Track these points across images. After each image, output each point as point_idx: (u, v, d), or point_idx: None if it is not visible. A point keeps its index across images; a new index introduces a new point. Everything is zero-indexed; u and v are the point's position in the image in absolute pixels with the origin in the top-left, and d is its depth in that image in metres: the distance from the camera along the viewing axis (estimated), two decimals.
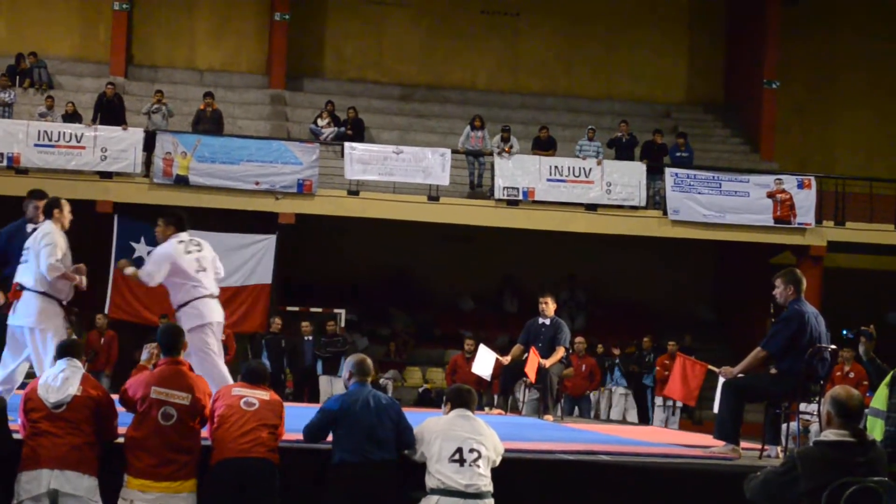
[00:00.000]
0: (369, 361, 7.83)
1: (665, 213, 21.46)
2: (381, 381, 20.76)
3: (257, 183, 20.29)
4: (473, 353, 15.33)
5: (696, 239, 22.03)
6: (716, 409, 9.79)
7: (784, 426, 9.47)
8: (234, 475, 7.23)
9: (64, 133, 20.05)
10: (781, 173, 22.29)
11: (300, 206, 20.53)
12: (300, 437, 7.69)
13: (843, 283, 22.25)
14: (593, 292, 24.75)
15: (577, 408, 18.51)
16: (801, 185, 21.58)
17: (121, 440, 7.34)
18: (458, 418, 7.44)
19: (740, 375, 8.96)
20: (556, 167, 21.37)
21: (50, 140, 19.93)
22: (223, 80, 25.32)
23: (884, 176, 23.38)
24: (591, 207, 21.38)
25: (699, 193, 21.37)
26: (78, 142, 19.98)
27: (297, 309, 20.98)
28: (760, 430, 9.37)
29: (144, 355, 8.02)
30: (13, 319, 9.06)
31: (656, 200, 21.80)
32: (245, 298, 19.38)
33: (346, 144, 21.05)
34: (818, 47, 26.86)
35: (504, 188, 21.13)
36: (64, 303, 9.15)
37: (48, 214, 9.18)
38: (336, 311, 21.28)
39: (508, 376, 13.42)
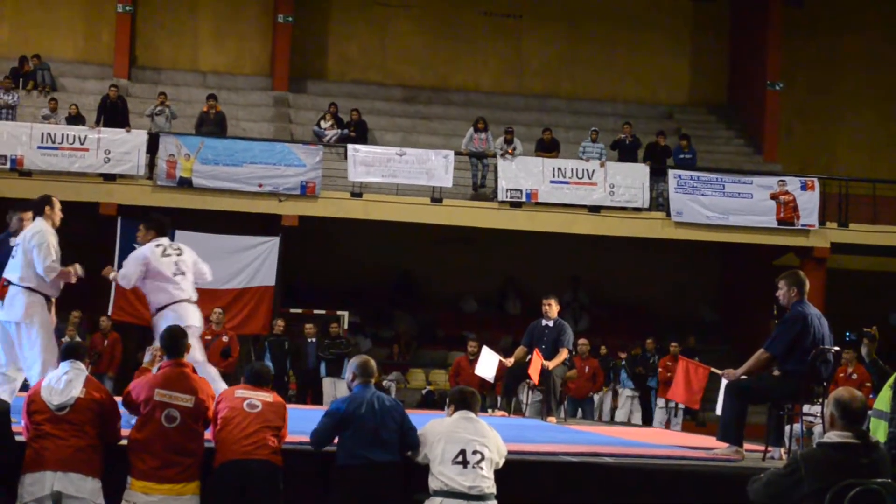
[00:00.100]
0: (373, 363, 7.83)
1: (668, 214, 21.44)
2: (385, 382, 20.76)
3: (261, 185, 20.31)
4: (477, 354, 15.35)
5: (700, 241, 22.01)
6: (719, 411, 9.79)
7: (787, 428, 9.47)
8: (238, 477, 7.23)
9: (67, 135, 20.07)
10: (785, 175, 22.27)
11: (303, 208, 20.54)
12: (304, 438, 7.69)
13: (846, 285, 22.25)
14: (596, 294, 24.75)
15: (580, 409, 18.51)
16: (804, 187, 21.55)
17: (124, 442, 7.35)
18: (461, 420, 7.44)
19: (743, 377, 8.96)
20: (559, 169, 21.37)
21: (53, 142, 19.95)
22: (226, 83, 25.35)
23: (887, 177, 23.34)
24: (595, 209, 21.37)
25: (702, 195, 21.35)
26: (81, 144, 20.01)
27: (300, 311, 20.96)
28: (764, 431, 9.37)
29: (147, 357, 8.03)
30: (0, 315, 9.07)
31: (659, 202, 21.79)
32: (248, 300, 19.39)
33: (350, 146, 21.05)
34: (821, 49, 26.85)
35: (507, 190, 21.13)
36: (52, 298, 9.14)
37: (39, 212, 9.18)
38: (339, 312, 21.26)
39: (511, 378, 13.43)
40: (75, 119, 20.98)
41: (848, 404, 5.77)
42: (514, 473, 7.65)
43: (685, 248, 23.06)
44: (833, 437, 5.79)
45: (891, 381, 7.72)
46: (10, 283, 9.03)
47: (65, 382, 7.24)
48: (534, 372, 12.77)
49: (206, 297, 18.47)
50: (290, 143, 21.51)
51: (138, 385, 7.47)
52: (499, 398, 14.15)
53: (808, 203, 21.51)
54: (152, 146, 20.29)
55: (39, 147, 19.89)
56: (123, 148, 20.12)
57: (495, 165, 21.36)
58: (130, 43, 24.83)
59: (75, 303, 17.93)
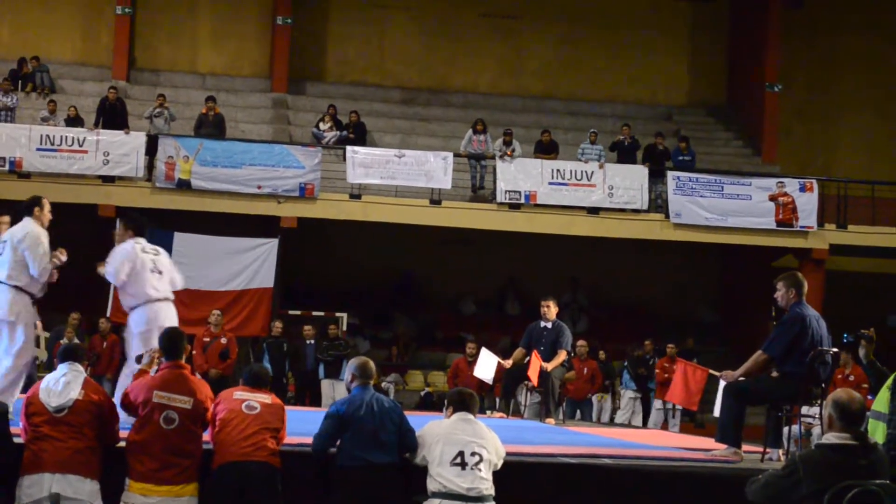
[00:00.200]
0: (372, 365, 7.84)
1: (667, 216, 21.44)
2: (383, 384, 20.78)
3: (259, 187, 20.32)
4: (475, 356, 15.33)
5: (699, 242, 22.01)
6: (717, 413, 9.79)
7: (786, 429, 9.48)
8: (236, 479, 7.23)
9: (66, 137, 20.08)
10: (783, 176, 22.28)
11: (302, 209, 20.54)
12: (302, 440, 7.69)
13: (845, 286, 22.24)
14: (595, 295, 24.75)
15: (578, 411, 18.52)
16: (803, 188, 21.56)
17: (122, 444, 7.34)
18: (459, 422, 7.44)
19: (742, 379, 8.96)
20: (558, 170, 21.38)
21: (52, 144, 19.96)
22: (225, 84, 25.35)
23: (886, 179, 23.32)
24: (594, 211, 21.38)
25: (701, 196, 21.36)
26: (80, 146, 20.02)
27: (298, 312, 20.96)
28: (762, 433, 9.37)
29: (146, 359, 8.02)
30: None
31: (658, 204, 21.79)
32: (247, 302, 19.41)
33: (349, 148, 21.06)
34: (820, 50, 26.86)
35: (506, 191, 21.14)
36: (37, 297, 9.10)
37: (29, 212, 9.14)
38: (338, 314, 21.25)
39: (510, 380, 13.42)
40: (74, 121, 20.99)
41: (846, 406, 5.78)
42: (513, 475, 7.65)
43: (684, 249, 23.05)
44: (831, 438, 5.79)
45: (889, 382, 7.72)
46: None
47: (63, 384, 7.24)
48: (532, 373, 12.77)
49: (205, 299, 18.75)
50: (288, 144, 21.51)
51: (137, 387, 7.46)
52: (497, 400, 14.15)
53: (807, 204, 21.52)
54: (151, 148, 20.30)
55: (38, 149, 19.90)
56: (122, 150, 20.13)
57: (494, 167, 21.36)
58: (129, 45, 24.83)
59: (74, 304, 17.98)
